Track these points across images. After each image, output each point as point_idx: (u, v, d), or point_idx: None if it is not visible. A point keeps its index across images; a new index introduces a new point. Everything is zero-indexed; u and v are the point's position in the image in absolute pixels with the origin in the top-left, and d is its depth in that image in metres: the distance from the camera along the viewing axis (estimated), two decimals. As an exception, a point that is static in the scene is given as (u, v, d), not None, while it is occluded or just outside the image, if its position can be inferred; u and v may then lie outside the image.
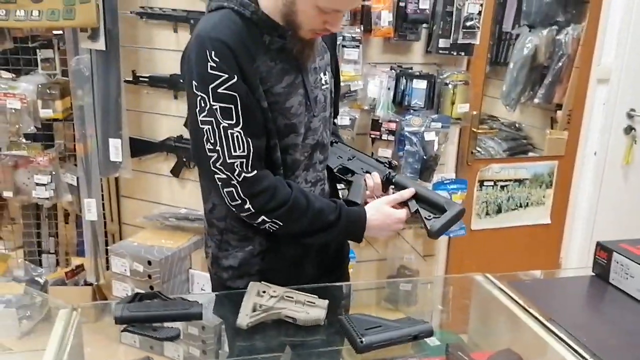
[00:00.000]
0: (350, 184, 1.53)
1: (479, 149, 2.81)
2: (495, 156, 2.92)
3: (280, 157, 1.35)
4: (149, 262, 2.55)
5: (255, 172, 1.28)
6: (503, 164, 2.82)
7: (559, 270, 2.91)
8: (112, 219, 2.87)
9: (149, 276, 2.58)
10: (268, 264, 1.43)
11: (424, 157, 2.42)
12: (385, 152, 2.44)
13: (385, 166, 1.56)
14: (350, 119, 2.39)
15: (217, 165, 1.26)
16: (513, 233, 2.90)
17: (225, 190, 1.28)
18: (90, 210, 2.63)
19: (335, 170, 1.55)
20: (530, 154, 3.03)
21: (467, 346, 1.58)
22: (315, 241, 1.40)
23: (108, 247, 2.69)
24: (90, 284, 2.79)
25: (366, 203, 1.48)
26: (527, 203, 2.91)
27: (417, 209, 1.44)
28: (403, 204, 1.46)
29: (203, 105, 1.23)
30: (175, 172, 2.66)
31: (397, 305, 2.75)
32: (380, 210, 1.43)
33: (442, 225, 1.39)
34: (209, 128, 1.24)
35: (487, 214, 2.85)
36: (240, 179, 1.26)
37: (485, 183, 2.80)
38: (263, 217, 1.31)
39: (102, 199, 2.81)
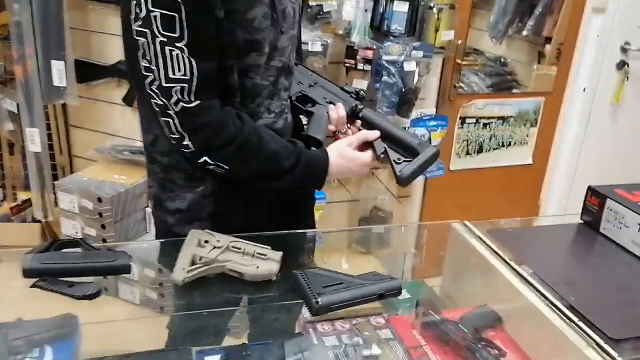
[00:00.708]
0: (311, 116, 1.31)
1: (461, 84, 2.59)
2: (478, 92, 2.72)
3: (237, 80, 1.13)
4: (99, 199, 2.34)
5: (199, 102, 1.06)
6: (487, 100, 2.62)
7: (543, 218, 2.78)
8: (60, 151, 2.63)
9: (100, 214, 2.37)
10: (221, 206, 1.23)
11: (403, 89, 2.20)
12: (361, 84, 2.20)
13: (352, 97, 1.35)
14: (322, 45, 2.14)
15: (153, 88, 1.04)
16: (493, 174, 2.74)
17: (162, 119, 1.07)
18: (34, 140, 2.38)
19: (293, 99, 1.33)
20: (515, 91, 2.83)
21: (439, 301, 1.43)
22: (267, 188, 1.21)
23: (55, 182, 2.47)
24: (39, 221, 2.58)
25: (335, 137, 1.28)
26: (510, 142, 2.73)
27: (385, 151, 1.24)
28: (369, 144, 1.26)
29: (138, 11, 1.00)
30: (128, 100, 2.40)
31: (369, 248, 2.61)
32: (343, 154, 1.24)
33: (412, 171, 1.20)
34: (144, 42, 1.01)
35: (467, 153, 2.68)
36: (177, 109, 1.05)
37: (467, 120, 2.61)
38: (205, 157, 1.11)
39: (49, 129, 2.55)
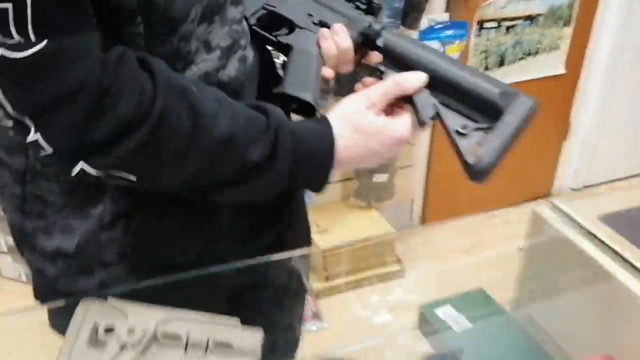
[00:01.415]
0: (287, 54, 0.72)
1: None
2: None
3: None
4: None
5: (44, 41, 0.49)
6: (510, -5, 2.00)
7: None
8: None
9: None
10: (140, 237, 0.67)
11: (408, -11, 1.57)
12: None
13: (358, 8, 0.75)
14: None
15: None
16: (517, 91, 2.17)
17: None
18: None
19: (251, 21, 0.73)
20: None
21: (522, 334, 0.92)
22: (220, 200, 0.64)
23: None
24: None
25: (342, 93, 0.69)
26: (538, 49, 2.14)
27: (438, 113, 0.67)
28: (405, 100, 0.68)
29: None
30: None
31: (370, 200, 2.08)
32: (360, 125, 0.66)
33: (496, 151, 0.64)
34: None
35: (485, 68, 2.09)
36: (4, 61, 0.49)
37: (485, 25, 2.00)
38: (82, 164, 0.54)
39: None
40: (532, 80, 2.19)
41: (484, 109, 0.65)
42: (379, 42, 0.72)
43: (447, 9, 1.87)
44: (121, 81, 0.53)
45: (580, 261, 0.84)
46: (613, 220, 0.89)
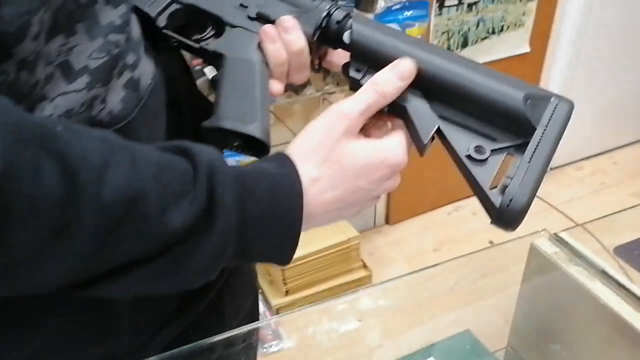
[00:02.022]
0: (218, 66, 0.51)
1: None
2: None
3: None
4: None
5: None
6: (471, -31, 1.82)
7: None
8: None
9: None
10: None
11: (361, -34, 1.36)
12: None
13: None
14: None
15: None
16: (481, 73, 2.01)
17: None
18: None
19: (162, 24, 0.50)
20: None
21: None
22: (130, 292, 0.43)
23: None
24: None
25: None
26: (502, 26, 1.98)
27: (440, 130, 0.48)
28: (394, 109, 0.48)
29: None
30: None
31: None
32: (336, 157, 0.46)
33: (533, 181, 0.44)
34: None
35: (447, 49, 1.91)
36: None
37: (446, 3, 1.82)
38: None
39: None
40: (497, 60, 2.04)
41: (505, 122, 0.46)
42: (346, 38, 0.51)
43: (405, -13, 1.67)
44: None
45: (588, 301, 0.67)
46: (625, 252, 0.73)
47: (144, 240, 0.39)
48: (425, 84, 0.47)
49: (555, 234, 0.72)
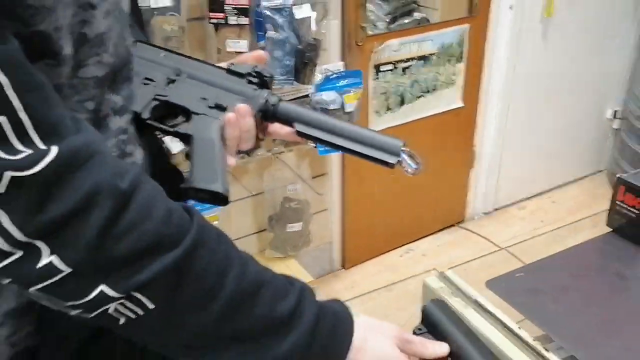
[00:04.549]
0: (188, 142, 0.70)
1: (367, 22, 2.00)
2: (377, 24, 2.13)
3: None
4: None
5: (56, 148, 0.45)
6: (402, 38, 2.06)
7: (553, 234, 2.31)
8: None
9: None
10: None
11: (299, 45, 1.58)
12: (238, 45, 1.56)
13: (251, 82, 0.73)
14: (171, -3, 1.46)
15: None
16: (420, 127, 2.23)
17: None
18: None
19: (144, 116, 0.69)
20: (417, 15, 2.28)
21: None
22: None
23: None
24: None
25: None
26: (435, 86, 2.22)
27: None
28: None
29: None
30: None
31: (287, 250, 2.06)
32: (378, 333, 0.65)
33: None
34: None
35: (388, 108, 2.14)
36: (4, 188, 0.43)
37: (382, 68, 2.05)
38: (102, 285, 0.48)
39: None
40: (434, 115, 2.27)
41: None
42: (278, 112, 0.72)
43: (342, 58, 1.90)
44: (144, 192, 0.50)
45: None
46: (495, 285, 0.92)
47: (260, 317, 0.55)
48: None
49: (441, 272, 0.90)
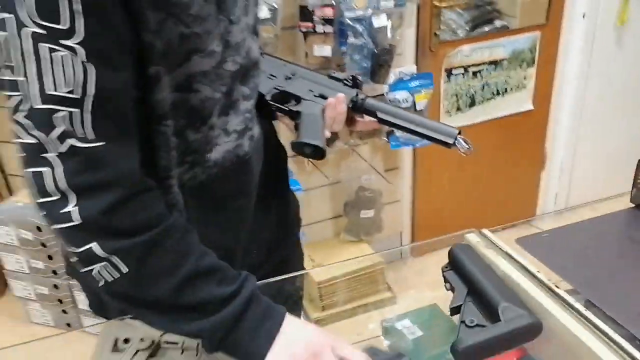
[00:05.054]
0: (297, 118, 0.97)
1: (442, 28, 2.20)
2: (457, 31, 2.31)
3: (172, 98, 0.73)
4: (38, 228, 1.99)
5: (103, 143, 0.64)
6: (474, 44, 2.24)
7: (580, 208, 2.43)
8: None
9: (43, 244, 2.03)
10: None
11: (375, 50, 1.82)
12: (323, 50, 1.82)
13: (346, 84, 1.01)
14: (269, 10, 1.74)
15: (20, 116, 0.62)
16: (489, 127, 2.39)
17: (31, 169, 0.64)
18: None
19: (269, 98, 0.98)
20: (498, 23, 2.42)
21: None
22: (156, 323, 0.76)
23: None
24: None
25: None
26: (506, 89, 2.37)
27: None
28: None
29: None
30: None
31: (360, 234, 2.28)
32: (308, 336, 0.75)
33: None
34: (5, 36, 0.60)
35: (458, 109, 2.32)
36: (63, 149, 0.63)
37: (453, 71, 2.24)
38: (95, 243, 0.65)
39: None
40: (503, 117, 2.42)
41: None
42: (365, 106, 0.99)
43: (416, 62, 2.11)
44: (149, 193, 0.69)
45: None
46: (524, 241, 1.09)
47: (205, 293, 0.69)
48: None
49: (479, 230, 1.10)
